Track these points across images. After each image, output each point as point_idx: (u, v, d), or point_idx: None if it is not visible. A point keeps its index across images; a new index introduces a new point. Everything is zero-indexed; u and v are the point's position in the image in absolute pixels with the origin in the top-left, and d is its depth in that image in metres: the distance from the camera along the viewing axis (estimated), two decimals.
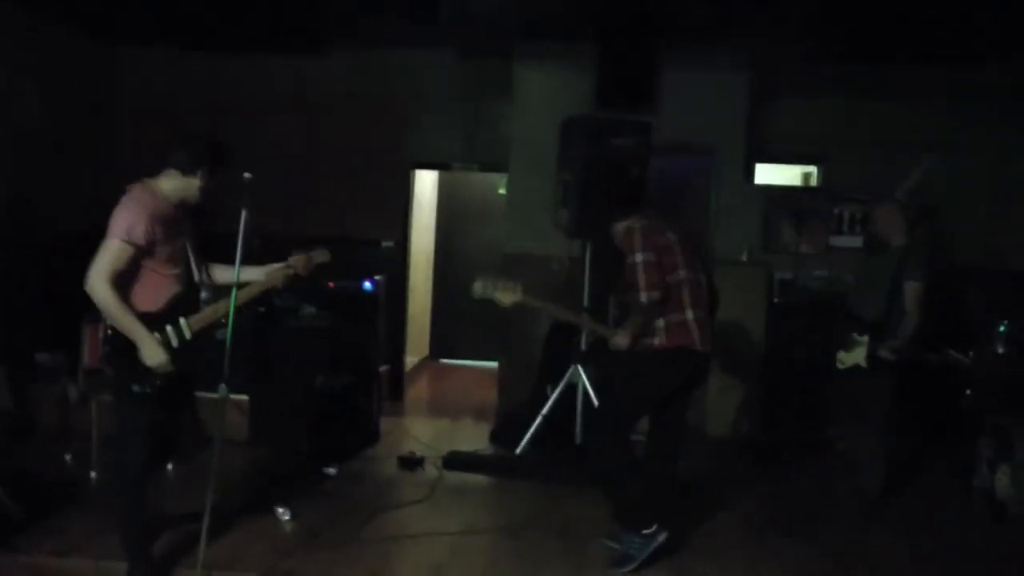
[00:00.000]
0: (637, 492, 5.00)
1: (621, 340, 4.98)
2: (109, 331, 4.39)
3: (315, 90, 8.83)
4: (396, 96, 8.81)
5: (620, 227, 5.12)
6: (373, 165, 8.84)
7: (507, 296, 5.33)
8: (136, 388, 4.36)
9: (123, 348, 4.33)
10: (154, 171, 4.56)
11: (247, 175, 4.39)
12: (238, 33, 8.30)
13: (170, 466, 6.19)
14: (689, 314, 4.94)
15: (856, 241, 8.18)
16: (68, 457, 6.45)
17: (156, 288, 4.44)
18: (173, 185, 4.52)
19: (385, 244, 8.84)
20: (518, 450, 6.90)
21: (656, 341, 4.95)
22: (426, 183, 10.54)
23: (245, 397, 6.95)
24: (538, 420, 6.89)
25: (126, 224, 4.26)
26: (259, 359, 6.70)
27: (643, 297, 4.84)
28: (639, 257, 4.87)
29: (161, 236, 4.37)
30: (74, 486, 5.96)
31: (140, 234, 4.27)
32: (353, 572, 4.71)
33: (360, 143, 8.82)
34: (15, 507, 5.10)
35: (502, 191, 9.24)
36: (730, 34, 7.76)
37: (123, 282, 4.32)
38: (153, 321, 4.37)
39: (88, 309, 6.00)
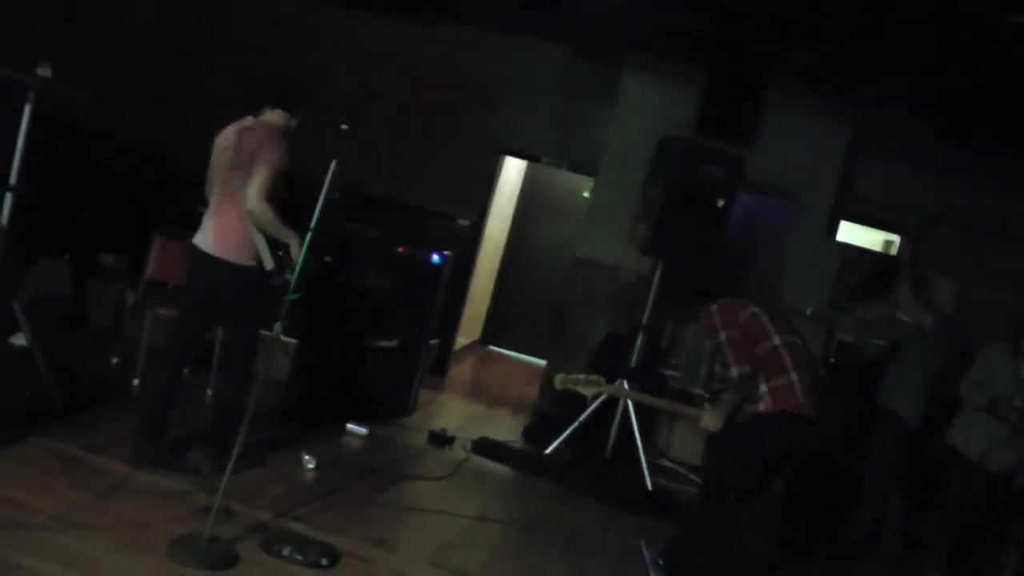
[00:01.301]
0: (703, 554, 5.00)
1: (711, 421, 4.95)
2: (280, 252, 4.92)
3: (416, 58, 8.89)
4: (497, 79, 8.85)
5: (702, 315, 5.09)
6: (463, 143, 8.90)
7: (590, 389, 5.40)
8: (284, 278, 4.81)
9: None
10: (250, 108, 4.77)
11: (344, 126, 4.48)
12: None
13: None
14: (793, 376, 4.84)
15: (923, 319, 8.02)
16: (114, 360, 6.60)
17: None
18: (283, 122, 5.12)
19: (461, 222, 8.90)
20: (548, 450, 6.93)
21: (761, 407, 4.88)
22: (512, 170, 10.59)
23: (294, 341, 7.05)
24: (573, 425, 6.91)
25: (278, 153, 4.88)
26: (314, 307, 6.78)
27: (733, 372, 4.82)
28: (722, 336, 4.87)
29: (286, 164, 4.93)
30: (116, 389, 6.11)
31: (285, 161, 4.90)
32: (362, 532, 4.76)
33: (454, 119, 8.88)
34: (57, 393, 5.24)
35: (586, 194, 9.25)
36: (837, 85, 7.70)
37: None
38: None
39: (161, 222, 6.18)
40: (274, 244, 4.87)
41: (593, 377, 5.39)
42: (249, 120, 5.11)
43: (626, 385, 6.86)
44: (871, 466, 6.45)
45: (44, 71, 4.67)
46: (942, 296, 6.44)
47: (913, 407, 6.29)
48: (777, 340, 4.90)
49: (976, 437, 5.84)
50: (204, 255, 4.96)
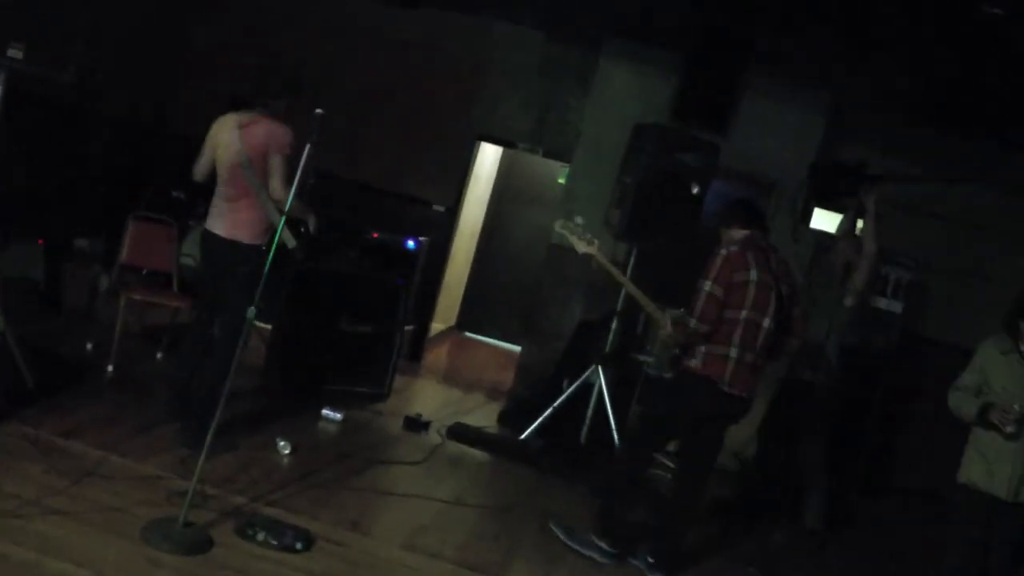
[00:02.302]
0: (620, 508, 5.25)
1: (665, 331, 5.25)
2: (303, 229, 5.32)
3: (395, 39, 8.86)
4: (475, 63, 8.84)
5: (723, 237, 5.18)
6: (440, 128, 8.89)
7: (581, 244, 5.86)
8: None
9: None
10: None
11: (319, 111, 4.47)
12: None
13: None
14: (732, 352, 4.93)
15: (898, 306, 8.10)
16: (89, 345, 6.58)
17: None
18: (283, 108, 5.38)
19: (436, 208, 8.89)
20: (523, 436, 6.95)
21: (692, 363, 5.02)
22: (488, 156, 10.57)
23: (268, 327, 7.05)
24: (548, 411, 6.94)
25: (287, 140, 5.21)
26: (288, 291, 6.78)
27: (692, 322, 4.92)
28: (706, 286, 4.91)
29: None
30: (89, 373, 6.09)
31: (293, 147, 5.18)
32: (336, 516, 4.78)
33: (430, 103, 8.87)
34: (30, 377, 5.22)
35: (562, 181, 9.26)
36: (813, 72, 7.73)
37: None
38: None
39: (136, 206, 6.23)
40: (294, 224, 5.13)
41: (589, 236, 5.83)
42: (249, 114, 5.31)
43: (600, 371, 6.90)
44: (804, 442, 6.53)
45: (16, 52, 4.63)
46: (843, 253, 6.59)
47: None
48: (744, 315, 4.93)
49: (1000, 464, 4.59)
50: (219, 238, 5.32)
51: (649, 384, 6.86)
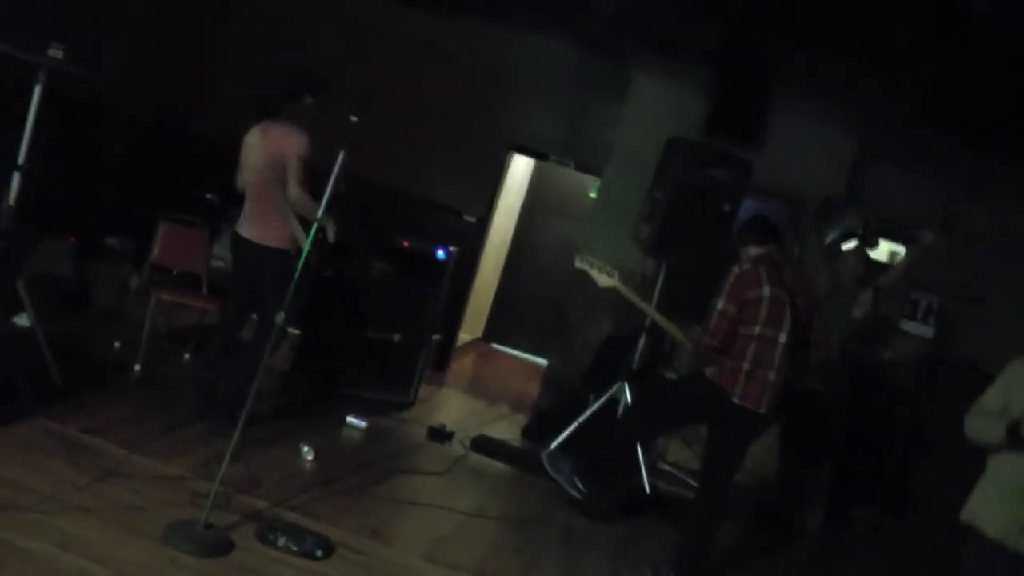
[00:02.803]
0: (608, 454, 5.70)
1: (691, 338, 5.56)
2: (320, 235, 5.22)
3: (430, 49, 8.87)
4: (509, 74, 8.83)
5: (741, 255, 5.30)
6: (473, 137, 8.90)
7: (603, 278, 5.91)
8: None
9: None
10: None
11: (353, 118, 4.48)
12: None
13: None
14: (745, 366, 4.98)
15: (927, 331, 8.02)
16: (117, 344, 6.61)
17: None
18: (303, 110, 5.51)
19: (467, 218, 8.89)
20: (547, 450, 6.90)
21: (708, 371, 5.10)
22: (520, 167, 10.58)
23: (297, 332, 7.06)
24: (573, 426, 6.89)
25: (302, 142, 5.36)
26: (318, 298, 6.79)
27: (705, 339, 5.05)
28: (719, 303, 5.01)
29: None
30: (116, 372, 6.12)
31: (310, 150, 5.37)
32: (357, 524, 4.77)
33: (464, 112, 8.87)
34: (57, 374, 5.24)
35: (593, 194, 9.24)
36: (847, 91, 7.68)
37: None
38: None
39: (168, 207, 6.31)
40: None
41: (609, 267, 5.88)
42: (272, 120, 5.50)
43: (627, 388, 6.85)
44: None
45: (56, 52, 4.67)
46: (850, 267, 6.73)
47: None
48: (758, 330, 5.00)
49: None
50: (247, 241, 5.48)
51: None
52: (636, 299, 6.06)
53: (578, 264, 5.97)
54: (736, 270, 5.08)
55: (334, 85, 5.70)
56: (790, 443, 6.60)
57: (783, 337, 5.03)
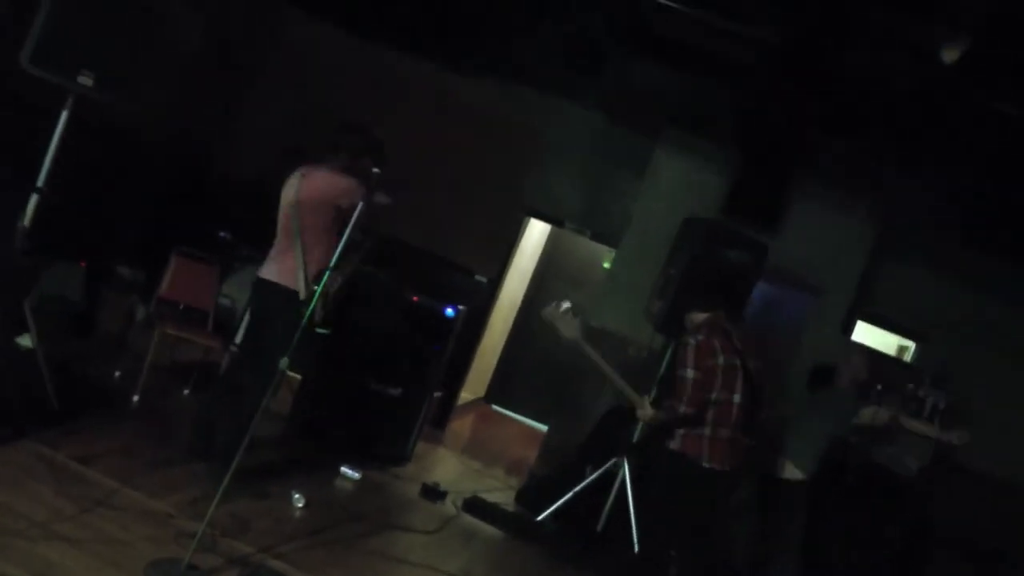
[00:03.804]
0: None
1: (646, 413, 5.70)
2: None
3: (455, 107, 8.93)
4: (531, 137, 8.87)
5: (688, 322, 5.60)
6: (491, 198, 8.91)
7: (567, 330, 6.01)
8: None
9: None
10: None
11: (376, 170, 4.53)
12: (398, 25, 8.47)
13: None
14: (707, 431, 5.27)
15: (932, 430, 7.91)
16: (117, 374, 6.57)
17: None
18: (346, 164, 5.51)
19: (478, 278, 8.88)
20: (539, 517, 6.83)
21: (672, 444, 5.37)
22: (536, 231, 10.59)
23: (298, 376, 7.02)
24: (568, 495, 6.82)
25: (353, 187, 5.35)
26: (322, 345, 6.76)
27: (681, 408, 5.25)
28: (690, 373, 5.27)
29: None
30: (114, 401, 6.08)
31: (347, 200, 5.31)
32: None
33: (484, 172, 8.89)
34: (54, 399, 5.21)
35: (607, 265, 9.23)
36: (867, 182, 7.71)
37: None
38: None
39: (182, 241, 6.30)
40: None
41: (575, 321, 6.02)
42: (314, 166, 5.51)
43: (626, 463, 6.78)
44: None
45: (86, 80, 4.70)
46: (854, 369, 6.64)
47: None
48: (715, 395, 5.27)
49: None
50: (266, 282, 5.42)
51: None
52: (595, 356, 6.10)
53: (544, 315, 6.07)
54: (693, 342, 5.32)
55: (383, 144, 5.72)
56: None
57: (736, 398, 5.30)
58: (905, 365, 8.46)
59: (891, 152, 7.26)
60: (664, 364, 7.00)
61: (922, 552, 7.40)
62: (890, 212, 7.99)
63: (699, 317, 5.53)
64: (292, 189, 5.44)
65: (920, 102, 6.31)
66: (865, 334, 8.81)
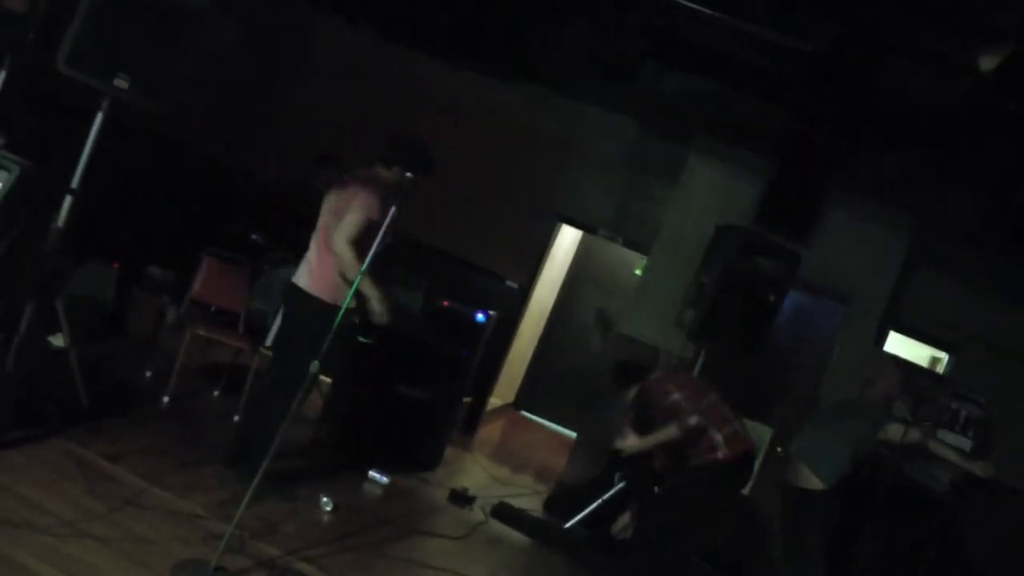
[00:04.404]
0: None
1: (633, 443, 6.05)
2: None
3: (488, 113, 8.93)
4: (565, 144, 8.86)
5: (646, 386, 6.13)
6: (523, 204, 8.90)
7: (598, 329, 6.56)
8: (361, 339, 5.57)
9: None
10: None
11: (408, 175, 4.54)
12: (432, 32, 8.49)
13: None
14: (736, 425, 5.89)
15: (965, 443, 7.82)
16: (148, 374, 6.61)
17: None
18: (393, 177, 5.40)
19: (509, 283, 8.87)
20: (567, 525, 6.80)
21: (719, 454, 5.73)
22: (567, 237, 10.56)
23: (329, 380, 7.03)
24: (596, 503, 6.79)
25: (371, 201, 5.16)
26: (353, 350, 6.76)
27: (691, 420, 5.73)
28: (676, 395, 5.86)
29: (381, 216, 4.91)
30: (144, 401, 6.11)
31: (376, 211, 5.10)
32: None
33: (516, 179, 8.89)
34: (85, 397, 5.24)
35: (638, 272, 9.19)
36: (902, 192, 7.64)
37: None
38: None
39: (214, 243, 6.31)
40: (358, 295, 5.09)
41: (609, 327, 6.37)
42: (358, 172, 5.45)
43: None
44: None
45: (121, 82, 4.72)
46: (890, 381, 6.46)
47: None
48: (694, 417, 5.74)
49: None
50: (300, 291, 5.35)
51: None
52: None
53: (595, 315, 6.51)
54: (653, 376, 6.14)
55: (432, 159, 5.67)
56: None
57: (712, 396, 5.97)
58: (938, 377, 8.36)
59: (926, 163, 7.19)
60: (695, 373, 6.96)
61: (952, 568, 7.31)
62: (924, 222, 7.91)
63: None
64: (329, 201, 5.40)
65: (956, 113, 6.26)
66: (898, 345, 8.72)
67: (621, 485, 6.77)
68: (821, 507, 6.11)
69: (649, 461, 6.39)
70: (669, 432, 5.80)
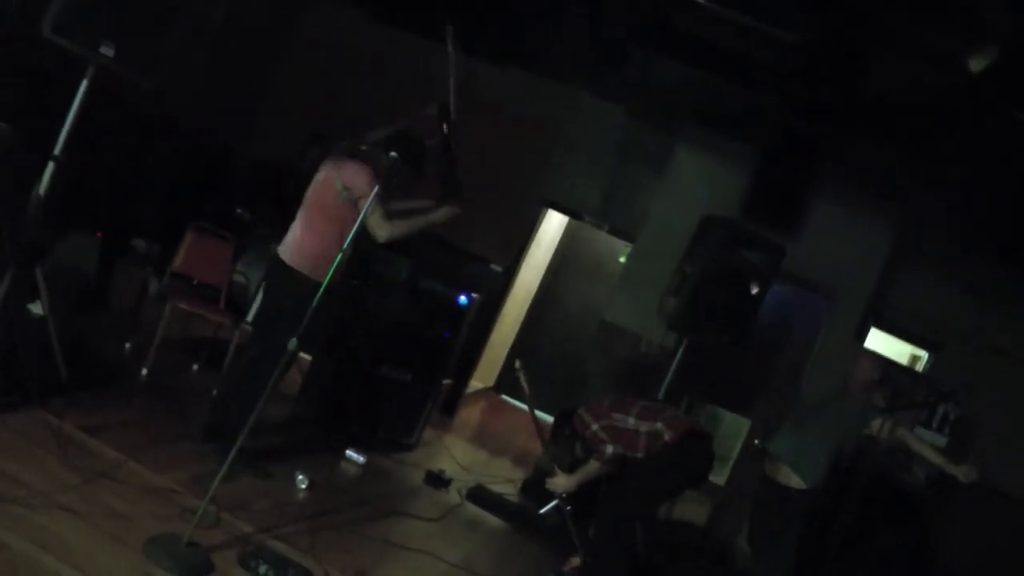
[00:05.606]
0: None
1: (563, 483, 6.01)
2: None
3: (478, 97, 8.88)
4: (552, 129, 8.84)
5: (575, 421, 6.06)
6: (509, 188, 8.88)
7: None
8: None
9: None
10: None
11: (393, 154, 4.51)
12: (420, 13, 8.45)
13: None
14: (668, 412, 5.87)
15: (940, 440, 7.85)
16: (128, 346, 6.57)
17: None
18: (388, 165, 5.19)
19: (493, 267, 8.85)
20: (542, 510, 6.80)
21: (666, 437, 5.62)
22: (553, 223, 10.55)
23: (308, 357, 7.01)
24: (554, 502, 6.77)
25: (372, 187, 4.98)
26: (334, 328, 6.74)
27: (608, 450, 5.68)
28: (594, 426, 5.78)
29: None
30: (123, 374, 6.09)
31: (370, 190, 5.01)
32: (343, 562, 4.68)
33: (503, 163, 8.86)
34: (63, 364, 5.20)
35: (623, 260, 9.19)
36: (887, 189, 7.66)
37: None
38: None
39: (198, 216, 6.26)
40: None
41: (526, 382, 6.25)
42: (348, 157, 5.38)
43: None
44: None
45: (107, 50, 4.67)
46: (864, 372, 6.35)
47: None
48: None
49: None
50: (284, 265, 5.32)
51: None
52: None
53: (517, 367, 6.34)
54: (579, 411, 6.03)
55: (382, 120, 5.65)
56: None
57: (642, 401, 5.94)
58: (916, 374, 8.39)
59: (912, 160, 7.20)
60: (675, 362, 6.96)
61: (926, 564, 7.36)
62: (908, 220, 7.93)
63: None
64: (324, 176, 5.36)
65: (943, 111, 6.26)
66: (879, 342, 8.75)
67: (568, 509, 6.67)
68: (800, 505, 6.12)
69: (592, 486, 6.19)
70: (591, 467, 5.85)
